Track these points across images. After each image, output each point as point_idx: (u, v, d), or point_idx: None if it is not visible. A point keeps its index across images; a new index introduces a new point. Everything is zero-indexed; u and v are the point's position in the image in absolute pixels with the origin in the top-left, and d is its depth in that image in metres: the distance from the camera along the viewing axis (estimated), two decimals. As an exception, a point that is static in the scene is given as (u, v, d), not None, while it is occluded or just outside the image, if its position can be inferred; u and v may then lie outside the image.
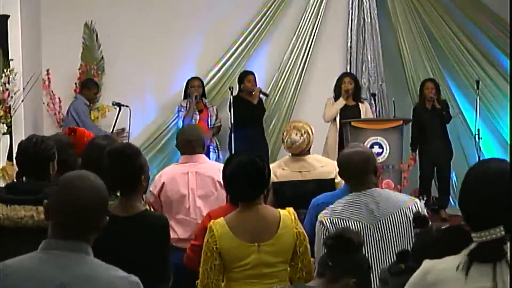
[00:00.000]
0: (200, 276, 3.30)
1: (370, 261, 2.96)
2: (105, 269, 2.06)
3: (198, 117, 7.87)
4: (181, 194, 4.50)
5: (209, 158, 7.15)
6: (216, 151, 8.00)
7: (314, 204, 3.92)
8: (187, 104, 7.88)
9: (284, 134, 4.89)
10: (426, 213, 3.12)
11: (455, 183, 8.44)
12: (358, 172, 3.41)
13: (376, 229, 3.31)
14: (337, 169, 4.75)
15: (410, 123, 7.79)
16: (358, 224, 3.30)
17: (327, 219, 3.36)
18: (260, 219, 3.26)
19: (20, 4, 7.46)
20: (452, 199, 8.31)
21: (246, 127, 7.69)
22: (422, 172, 7.93)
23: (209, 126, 7.86)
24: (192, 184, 4.49)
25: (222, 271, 3.27)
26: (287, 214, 3.31)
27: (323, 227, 3.36)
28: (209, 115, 8.00)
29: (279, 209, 3.34)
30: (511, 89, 7.65)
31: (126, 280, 2.07)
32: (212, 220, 3.32)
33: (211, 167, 4.58)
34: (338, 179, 4.75)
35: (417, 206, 3.39)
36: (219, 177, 4.37)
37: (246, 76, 8.05)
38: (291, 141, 4.73)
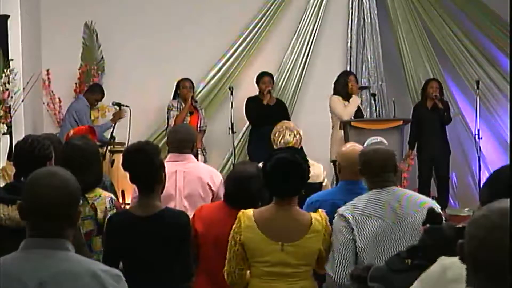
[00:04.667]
0: (226, 264, 3.31)
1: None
2: (86, 263, 2.06)
3: (189, 119, 7.85)
4: (167, 194, 4.34)
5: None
6: (204, 153, 7.98)
7: (308, 203, 3.93)
8: (178, 104, 7.87)
9: (276, 135, 4.88)
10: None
11: (455, 183, 8.45)
12: (379, 169, 3.37)
13: (398, 227, 3.27)
14: (324, 173, 4.78)
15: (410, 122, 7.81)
16: (380, 222, 3.27)
17: (349, 215, 3.31)
18: (290, 219, 3.24)
19: (20, 4, 7.46)
20: (452, 199, 8.32)
21: (259, 128, 7.71)
22: (421, 171, 7.94)
23: (199, 129, 7.85)
24: (179, 183, 4.41)
25: (246, 262, 3.26)
26: (320, 219, 3.28)
27: (346, 224, 3.30)
28: (199, 117, 7.99)
29: (311, 213, 3.33)
30: (511, 89, 7.66)
31: (109, 273, 2.05)
32: (242, 211, 3.29)
33: (200, 168, 4.54)
34: (325, 182, 4.77)
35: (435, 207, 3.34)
36: (208, 179, 4.37)
37: (261, 78, 8.08)
38: (284, 142, 4.73)
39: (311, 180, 4.57)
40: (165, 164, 4.53)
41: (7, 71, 7.14)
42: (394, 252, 3.14)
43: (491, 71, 8.78)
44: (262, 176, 3.34)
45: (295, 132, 4.85)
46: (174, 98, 7.97)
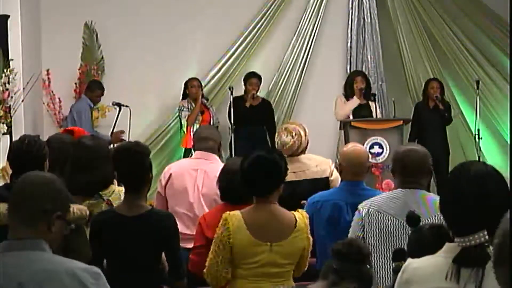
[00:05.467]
0: (208, 267, 3.27)
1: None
2: (64, 263, 2.07)
3: (201, 118, 7.87)
4: (185, 188, 4.51)
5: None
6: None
7: (310, 203, 3.93)
8: (188, 105, 7.88)
9: (276, 135, 4.89)
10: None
11: (455, 183, 8.42)
12: (410, 170, 3.36)
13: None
14: (332, 167, 4.77)
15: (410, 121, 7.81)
16: (394, 220, 3.28)
17: (364, 210, 3.34)
18: (275, 219, 3.24)
19: (20, 4, 7.45)
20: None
21: (244, 127, 7.71)
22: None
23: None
24: (199, 181, 4.51)
25: (231, 264, 3.25)
26: (302, 218, 3.29)
27: (359, 219, 3.35)
28: (211, 115, 8.01)
29: (293, 212, 3.32)
30: (511, 89, 7.65)
31: (88, 271, 2.07)
32: (228, 212, 3.27)
33: (218, 169, 4.59)
34: (333, 177, 4.76)
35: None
36: None
37: (248, 79, 8.06)
38: (281, 143, 4.71)
39: (316, 175, 4.61)
40: (189, 161, 4.61)
41: (7, 71, 7.14)
42: None
43: (491, 71, 8.78)
44: (240, 175, 3.33)
45: (293, 134, 4.77)
46: (183, 98, 7.98)
